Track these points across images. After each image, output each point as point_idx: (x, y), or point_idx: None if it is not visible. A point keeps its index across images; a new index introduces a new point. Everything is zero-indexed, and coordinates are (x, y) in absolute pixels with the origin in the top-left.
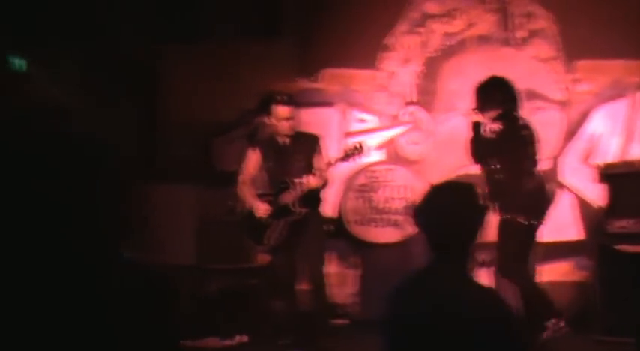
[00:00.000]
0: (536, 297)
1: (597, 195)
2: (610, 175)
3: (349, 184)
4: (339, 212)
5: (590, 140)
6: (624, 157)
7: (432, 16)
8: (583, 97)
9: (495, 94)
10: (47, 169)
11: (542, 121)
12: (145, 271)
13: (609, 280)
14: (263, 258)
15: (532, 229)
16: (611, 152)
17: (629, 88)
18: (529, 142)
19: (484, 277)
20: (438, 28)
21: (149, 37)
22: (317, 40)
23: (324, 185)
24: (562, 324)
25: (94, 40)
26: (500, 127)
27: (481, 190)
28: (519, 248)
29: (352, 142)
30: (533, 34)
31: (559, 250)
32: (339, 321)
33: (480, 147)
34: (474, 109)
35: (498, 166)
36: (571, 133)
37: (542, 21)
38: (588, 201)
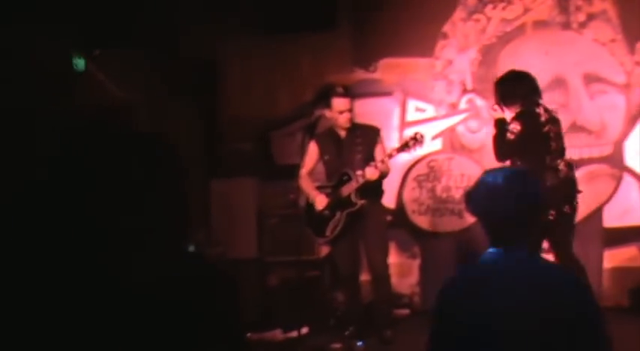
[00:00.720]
0: None
1: None
2: None
3: (409, 174)
4: (399, 202)
5: None
6: None
7: (489, 3)
8: None
9: (515, 88)
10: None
11: (604, 104)
12: (210, 265)
13: None
14: (324, 250)
15: (563, 220)
16: None
17: None
18: (551, 138)
19: None
20: (495, 14)
21: (208, 32)
22: (373, 30)
23: (384, 176)
24: None
25: (155, 38)
26: (519, 127)
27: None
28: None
29: (411, 132)
30: (592, 16)
31: (625, 236)
32: (401, 311)
33: (504, 146)
34: (494, 106)
35: (519, 163)
36: (634, 117)
37: (601, 3)
38: None
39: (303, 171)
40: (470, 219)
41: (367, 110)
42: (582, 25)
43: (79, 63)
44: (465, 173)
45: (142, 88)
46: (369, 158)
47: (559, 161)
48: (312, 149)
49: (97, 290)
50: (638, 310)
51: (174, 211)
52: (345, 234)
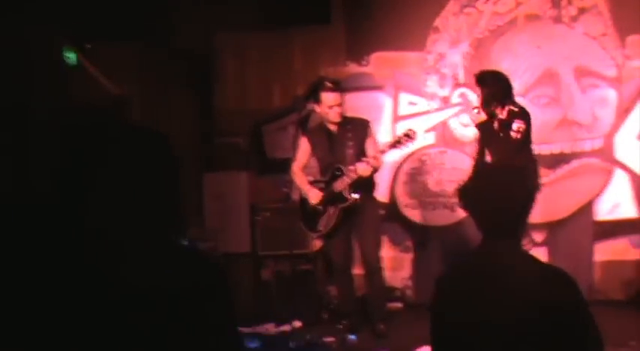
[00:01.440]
0: None
1: None
2: None
3: (401, 168)
4: (392, 196)
5: None
6: None
7: None
8: (635, 74)
9: (507, 88)
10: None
11: (596, 98)
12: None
13: None
14: (317, 244)
15: None
16: None
17: None
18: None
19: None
20: (487, 8)
21: (203, 26)
22: (366, 24)
23: (377, 170)
24: None
25: (148, 31)
26: (524, 126)
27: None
28: None
29: (403, 128)
30: (583, 10)
31: (614, 229)
32: (394, 305)
33: (509, 146)
34: (475, 109)
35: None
36: (625, 110)
37: None
38: None
39: (296, 166)
40: (462, 213)
41: (360, 104)
42: (574, 18)
43: (71, 57)
44: (457, 167)
45: (135, 82)
46: (361, 152)
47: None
48: (304, 145)
49: (90, 285)
50: (629, 303)
51: (168, 204)
52: (338, 228)
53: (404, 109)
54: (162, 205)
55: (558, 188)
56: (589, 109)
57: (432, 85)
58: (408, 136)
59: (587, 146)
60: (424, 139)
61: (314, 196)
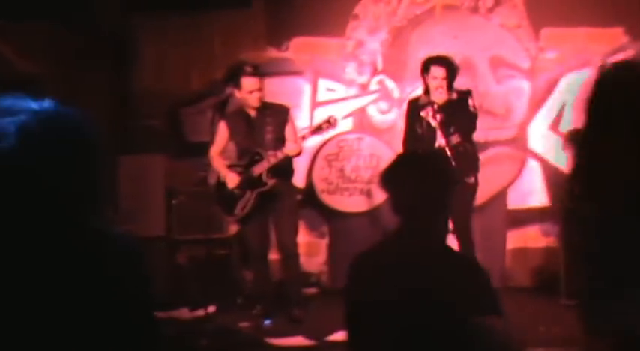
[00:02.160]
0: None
1: (564, 162)
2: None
3: (318, 154)
4: (309, 182)
5: (557, 108)
6: None
7: None
8: (549, 65)
9: (455, 70)
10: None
11: (510, 89)
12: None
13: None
14: (233, 228)
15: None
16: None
17: (594, 56)
18: None
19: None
20: None
21: (120, 7)
22: (286, 9)
23: (296, 156)
24: None
25: (66, 10)
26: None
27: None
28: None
29: (322, 114)
30: (499, 2)
31: (527, 217)
32: (310, 290)
33: (472, 124)
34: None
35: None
36: (538, 101)
37: None
38: (555, 168)
39: (214, 150)
40: (378, 199)
41: (278, 89)
42: (490, 10)
43: None
44: (374, 153)
45: (52, 61)
46: (280, 138)
47: None
48: (222, 129)
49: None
50: (540, 290)
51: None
52: (255, 213)
53: (322, 95)
54: (78, 187)
55: None
56: (503, 99)
57: (350, 71)
58: (329, 122)
59: (501, 135)
60: (342, 125)
61: (232, 179)
